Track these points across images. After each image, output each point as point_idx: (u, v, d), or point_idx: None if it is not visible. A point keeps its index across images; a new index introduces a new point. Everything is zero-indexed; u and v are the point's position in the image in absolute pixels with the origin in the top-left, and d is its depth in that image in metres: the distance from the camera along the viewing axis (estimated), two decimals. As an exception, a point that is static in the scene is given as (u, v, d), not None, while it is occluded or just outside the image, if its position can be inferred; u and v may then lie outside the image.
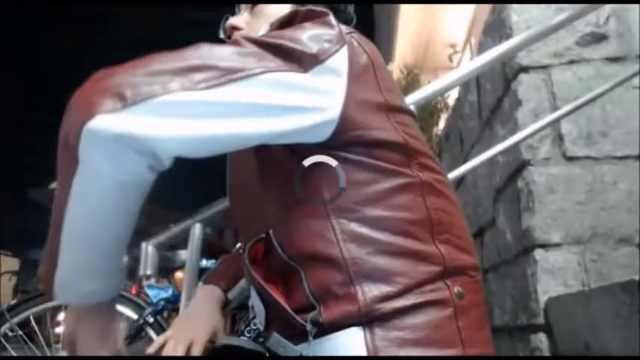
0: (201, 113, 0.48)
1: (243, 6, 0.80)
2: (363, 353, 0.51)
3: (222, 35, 0.80)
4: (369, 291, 0.52)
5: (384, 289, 0.52)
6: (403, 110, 0.63)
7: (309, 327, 0.52)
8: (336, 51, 0.57)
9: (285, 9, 0.75)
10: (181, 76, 0.48)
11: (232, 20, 0.78)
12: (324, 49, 0.56)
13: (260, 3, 0.77)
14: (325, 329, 0.53)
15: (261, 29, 0.70)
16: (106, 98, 0.45)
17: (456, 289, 0.55)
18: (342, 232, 0.54)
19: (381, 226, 0.55)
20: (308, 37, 0.56)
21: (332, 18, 0.61)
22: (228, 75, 0.49)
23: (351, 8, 0.81)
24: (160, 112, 0.46)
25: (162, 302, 1.82)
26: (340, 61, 0.57)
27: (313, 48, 0.55)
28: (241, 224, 0.73)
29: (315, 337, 0.53)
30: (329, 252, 0.54)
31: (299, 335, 0.54)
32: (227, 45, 0.53)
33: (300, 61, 0.54)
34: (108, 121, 0.44)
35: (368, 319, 0.52)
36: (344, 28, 0.62)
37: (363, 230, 0.55)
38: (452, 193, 0.64)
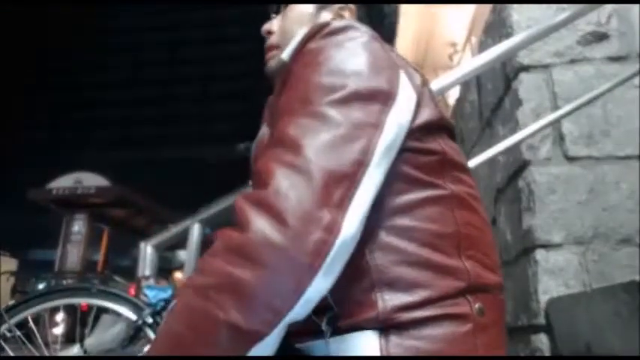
0: (359, 229, 0.50)
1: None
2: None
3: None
4: (390, 300, 0.52)
5: (405, 299, 0.52)
6: (445, 121, 0.63)
7: (324, 327, 0.52)
8: (398, 78, 0.58)
9: (309, 7, 0.77)
10: (326, 206, 0.48)
11: (266, 25, 0.80)
12: (390, 80, 0.56)
13: (284, 2, 0.78)
14: (341, 330, 0.53)
15: (296, 34, 0.70)
16: (300, 272, 0.46)
17: (477, 305, 0.54)
18: (370, 239, 0.54)
19: (408, 236, 0.55)
20: (369, 68, 0.56)
21: (371, 33, 0.61)
22: (356, 178, 0.50)
23: (384, 7, 0.82)
24: (339, 258, 0.48)
25: (161, 303, 1.81)
26: (405, 88, 0.58)
27: (382, 83, 0.56)
28: None
29: (330, 336, 0.53)
30: (353, 257, 0.53)
31: (313, 333, 0.54)
32: (313, 122, 0.52)
33: (381, 102, 0.54)
34: (309, 295, 0.47)
35: (385, 326, 0.51)
36: (386, 45, 0.62)
37: (390, 239, 0.54)
38: (483, 210, 0.64)
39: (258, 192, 0.49)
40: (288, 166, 0.49)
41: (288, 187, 0.48)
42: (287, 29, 0.76)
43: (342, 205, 0.48)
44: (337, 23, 0.61)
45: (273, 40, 0.78)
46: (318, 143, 0.50)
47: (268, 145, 0.55)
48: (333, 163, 0.49)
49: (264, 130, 0.70)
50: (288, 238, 0.46)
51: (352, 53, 0.57)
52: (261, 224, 0.46)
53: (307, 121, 0.52)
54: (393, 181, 0.55)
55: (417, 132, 0.58)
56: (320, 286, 0.47)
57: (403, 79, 0.58)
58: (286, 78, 0.61)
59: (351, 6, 0.78)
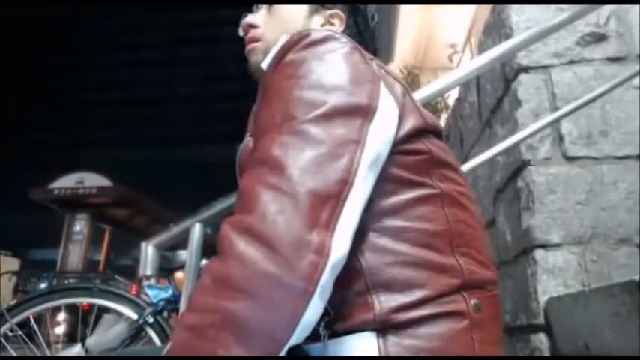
0: (348, 247, 0.50)
1: (261, 4, 0.80)
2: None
3: (241, 33, 0.80)
4: (386, 301, 0.52)
5: (402, 299, 0.52)
6: (430, 126, 0.63)
7: (322, 331, 0.53)
8: (379, 90, 0.57)
9: (302, 10, 0.76)
10: (314, 228, 0.47)
11: (249, 18, 0.78)
12: (370, 93, 0.56)
13: (276, 3, 0.77)
14: (338, 333, 0.53)
15: (280, 38, 0.69)
16: (295, 298, 0.45)
17: (473, 301, 0.55)
18: (362, 242, 0.54)
19: (401, 236, 0.55)
20: (349, 82, 0.56)
21: (352, 44, 0.60)
22: (341, 197, 0.49)
23: (372, 8, 0.81)
24: (331, 278, 0.48)
25: (162, 302, 1.82)
26: (387, 101, 0.57)
27: (362, 97, 0.55)
28: None
29: (328, 339, 0.53)
30: (347, 261, 0.52)
31: (311, 336, 0.53)
32: (295, 141, 0.51)
33: (362, 117, 0.54)
34: (307, 319, 0.46)
35: (382, 327, 0.52)
36: (367, 54, 0.62)
37: (383, 241, 0.54)
38: (474, 207, 0.64)
39: (244, 218, 0.48)
40: (273, 189, 0.48)
41: (274, 211, 0.47)
42: (277, 27, 0.75)
43: (330, 226, 0.48)
44: (317, 34, 0.60)
45: (257, 32, 0.76)
46: (302, 163, 0.50)
47: (252, 162, 0.54)
48: (318, 183, 0.49)
49: (247, 139, 0.69)
50: (279, 265, 0.45)
51: (333, 66, 0.57)
52: (250, 253, 0.45)
53: (290, 139, 0.51)
54: (381, 183, 0.56)
55: (402, 140, 0.58)
56: (316, 308, 0.47)
57: (384, 91, 0.58)
58: (266, 89, 0.60)
59: (341, 14, 0.77)
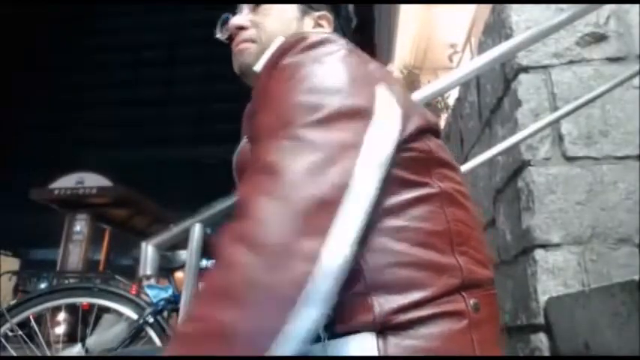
0: (347, 254, 0.48)
1: (244, 5, 0.79)
2: None
3: (218, 35, 0.79)
4: (386, 303, 0.52)
5: (401, 301, 0.52)
6: (430, 125, 0.63)
7: (321, 333, 0.52)
8: (378, 92, 0.57)
9: (293, 12, 0.76)
10: (305, 235, 0.46)
11: (236, 20, 0.77)
12: (369, 96, 0.55)
13: (263, 3, 0.77)
14: (338, 334, 0.53)
15: (274, 39, 0.68)
16: (280, 306, 0.44)
17: (472, 301, 0.55)
18: (361, 242, 0.53)
19: (400, 236, 0.54)
20: (348, 85, 0.55)
21: (348, 46, 0.60)
22: (337, 203, 0.48)
23: (350, 8, 0.81)
24: (325, 286, 0.46)
25: (162, 302, 1.82)
26: (387, 102, 0.57)
27: (361, 100, 0.54)
28: None
29: (328, 339, 0.53)
30: None
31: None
32: (291, 146, 0.50)
33: (362, 119, 0.53)
34: (297, 328, 0.45)
35: (382, 328, 0.51)
36: (365, 56, 0.62)
37: (383, 241, 0.54)
38: (472, 206, 0.64)
39: (238, 224, 0.48)
40: (266, 195, 0.48)
41: (265, 218, 0.46)
42: (270, 28, 0.74)
43: (323, 232, 0.46)
44: (314, 37, 0.60)
45: (250, 34, 0.75)
46: (298, 168, 0.48)
47: (251, 169, 0.53)
48: (313, 188, 0.47)
49: (244, 141, 0.69)
50: (265, 272, 0.44)
51: (330, 69, 0.56)
52: (238, 260, 0.45)
53: (287, 143, 0.51)
54: (382, 184, 0.55)
55: (405, 140, 0.58)
56: (308, 317, 0.45)
57: (385, 93, 0.57)
58: (262, 92, 0.60)
59: (329, 15, 0.77)
